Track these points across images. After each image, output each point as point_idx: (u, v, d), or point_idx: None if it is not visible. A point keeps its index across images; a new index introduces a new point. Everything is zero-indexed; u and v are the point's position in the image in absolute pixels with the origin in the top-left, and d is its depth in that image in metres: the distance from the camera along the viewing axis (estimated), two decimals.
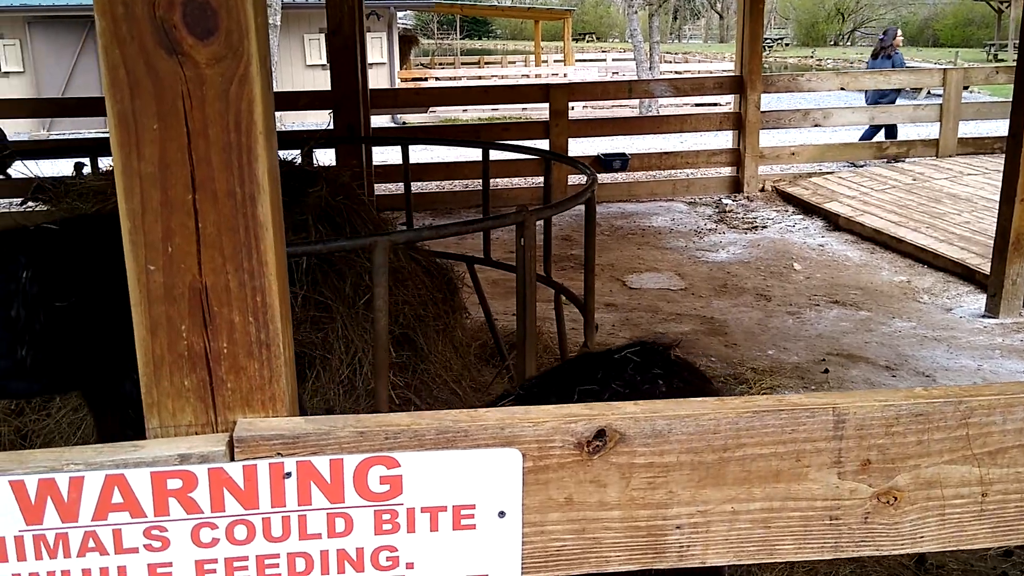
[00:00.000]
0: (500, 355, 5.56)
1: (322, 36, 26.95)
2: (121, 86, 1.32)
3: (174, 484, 1.39)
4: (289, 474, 1.42)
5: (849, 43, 67.73)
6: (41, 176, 5.47)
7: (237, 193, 1.38)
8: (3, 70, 25.83)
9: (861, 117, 14.85)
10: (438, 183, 13.65)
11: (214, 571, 1.44)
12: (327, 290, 4.20)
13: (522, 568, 1.50)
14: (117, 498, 1.39)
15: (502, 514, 1.48)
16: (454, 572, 1.49)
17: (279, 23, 23.54)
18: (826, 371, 6.66)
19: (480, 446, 1.45)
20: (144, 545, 1.41)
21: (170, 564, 1.42)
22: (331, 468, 1.42)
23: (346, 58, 8.59)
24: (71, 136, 21.23)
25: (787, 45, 66.00)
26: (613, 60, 39.54)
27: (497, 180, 13.11)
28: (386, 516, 1.46)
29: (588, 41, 72.14)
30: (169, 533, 1.41)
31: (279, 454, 1.42)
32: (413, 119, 24.71)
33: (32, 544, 1.38)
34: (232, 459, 1.41)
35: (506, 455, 1.46)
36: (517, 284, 3.72)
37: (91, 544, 1.40)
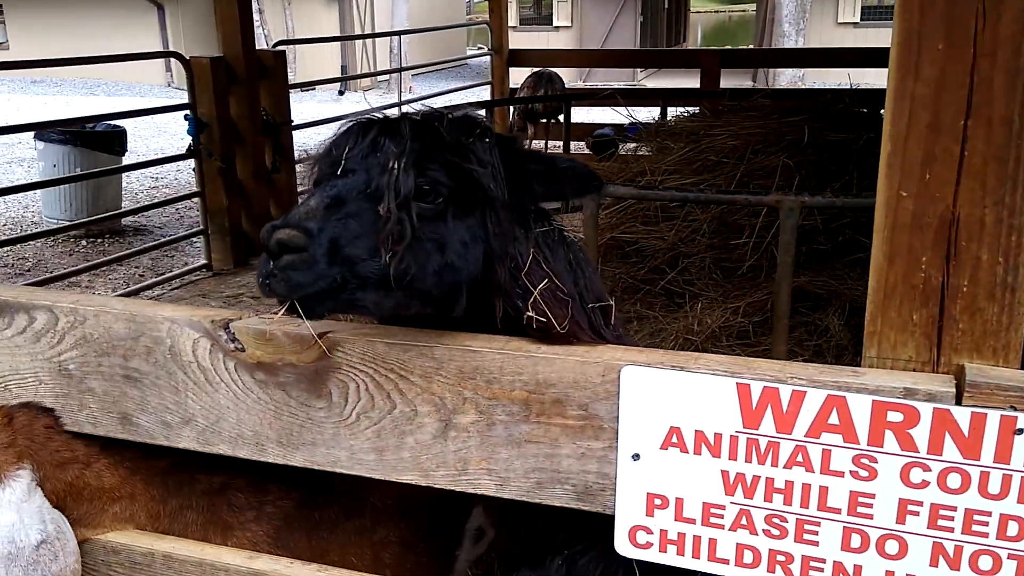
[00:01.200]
0: None
1: None
2: (912, 5, 1.28)
3: (894, 417, 1.36)
4: (1021, 431, 1.31)
5: None
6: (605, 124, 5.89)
7: (1015, 122, 1.27)
8: (555, 24, 28.73)
9: None
10: None
11: (917, 514, 1.39)
12: None
13: None
14: (833, 419, 1.39)
15: None
16: None
17: None
18: None
19: None
20: (851, 472, 1.40)
21: (872, 496, 1.40)
22: None
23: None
24: (605, 86, 22.89)
25: None
26: None
27: None
28: None
29: None
30: (879, 465, 1.39)
31: (1013, 408, 1.31)
32: None
33: (745, 446, 1.45)
34: (959, 403, 1.33)
35: None
36: None
37: (799, 459, 1.43)
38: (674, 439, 1.49)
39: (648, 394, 1.49)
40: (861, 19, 25.95)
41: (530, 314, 1.59)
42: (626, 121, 8.53)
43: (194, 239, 8.30)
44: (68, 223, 8.39)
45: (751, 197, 3.15)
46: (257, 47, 7.96)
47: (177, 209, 10.14)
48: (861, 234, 4.15)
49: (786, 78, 22.07)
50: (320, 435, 1.70)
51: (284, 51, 8.31)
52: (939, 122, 1.30)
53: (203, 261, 7.78)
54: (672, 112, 6.34)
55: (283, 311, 1.55)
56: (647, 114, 7.27)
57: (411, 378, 1.61)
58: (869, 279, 1.41)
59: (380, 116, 1.70)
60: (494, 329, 1.65)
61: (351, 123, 1.71)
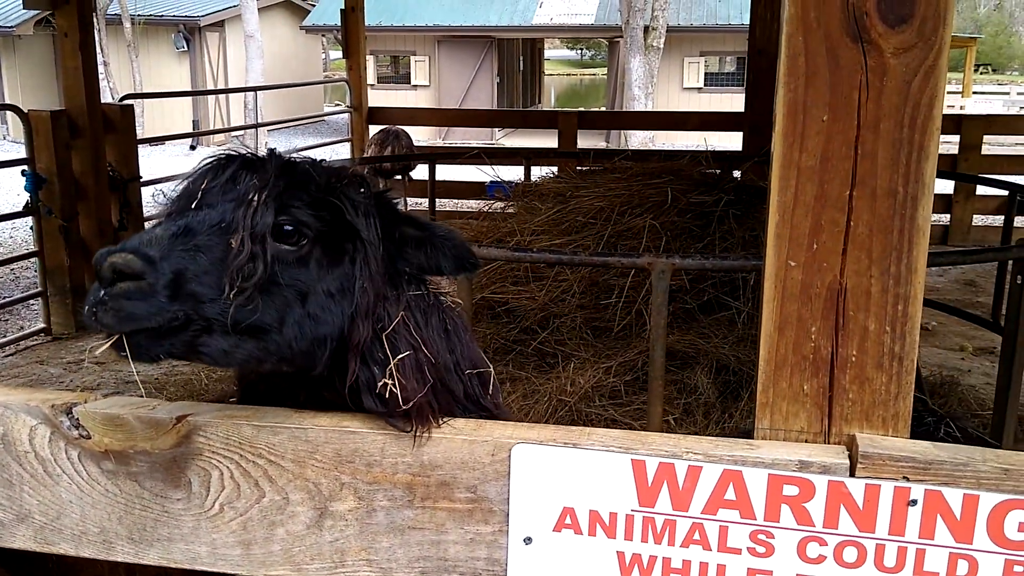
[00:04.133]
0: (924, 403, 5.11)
1: (702, 59, 27.06)
2: (797, 75, 1.28)
3: (790, 491, 1.33)
4: (915, 502, 1.30)
5: None
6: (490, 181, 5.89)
7: (899, 192, 1.29)
8: (412, 83, 28.93)
9: None
10: None
11: None
12: None
13: None
14: (730, 494, 1.35)
15: None
16: None
17: (662, 45, 23.95)
18: None
19: None
20: (748, 548, 1.36)
21: (770, 573, 1.37)
22: (964, 504, 1.28)
23: (770, 79, 8.40)
24: (464, 144, 23.11)
25: None
26: (1018, 94, 35.54)
27: None
28: (1018, 568, 1.29)
29: (983, 73, 65.69)
30: (776, 541, 1.35)
31: (906, 478, 1.30)
32: None
33: (641, 525, 1.39)
34: (853, 475, 1.32)
35: None
36: (1006, 329, 3.33)
37: (696, 536, 1.38)
38: (568, 520, 1.41)
39: (540, 473, 1.41)
40: (704, 85, 27.34)
41: (385, 381, 1.45)
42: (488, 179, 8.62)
43: (31, 301, 7.76)
44: None
45: (624, 259, 3.16)
46: (103, 101, 7.60)
47: (12, 269, 9.47)
48: (725, 293, 4.27)
49: (637, 139, 22.92)
50: (178, 530, 1.53)
51: (132, 105, 7.98)
52: (825, 193, 1.31)
53: (41, 325, 7.26)
54: (536, 172, 6.42)
55: (107, 345, 1.34)
56: (511, 173, 7.33)
57: (282, 463, 1.48)
58: (760, 349, 1.39)
59: (243, 152, 1.55)
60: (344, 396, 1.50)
61: (211, 159, 1.55)
